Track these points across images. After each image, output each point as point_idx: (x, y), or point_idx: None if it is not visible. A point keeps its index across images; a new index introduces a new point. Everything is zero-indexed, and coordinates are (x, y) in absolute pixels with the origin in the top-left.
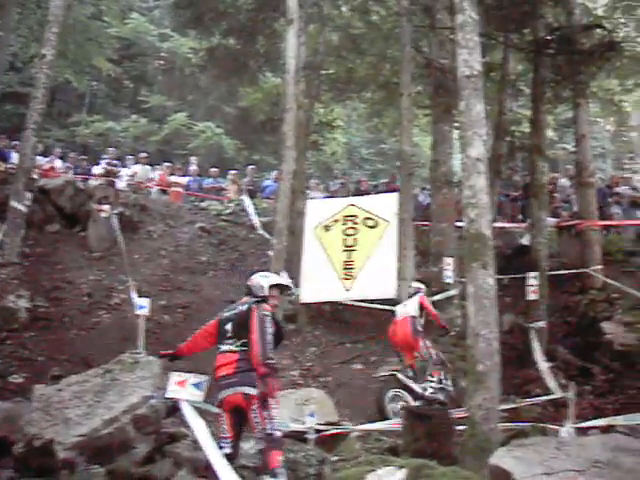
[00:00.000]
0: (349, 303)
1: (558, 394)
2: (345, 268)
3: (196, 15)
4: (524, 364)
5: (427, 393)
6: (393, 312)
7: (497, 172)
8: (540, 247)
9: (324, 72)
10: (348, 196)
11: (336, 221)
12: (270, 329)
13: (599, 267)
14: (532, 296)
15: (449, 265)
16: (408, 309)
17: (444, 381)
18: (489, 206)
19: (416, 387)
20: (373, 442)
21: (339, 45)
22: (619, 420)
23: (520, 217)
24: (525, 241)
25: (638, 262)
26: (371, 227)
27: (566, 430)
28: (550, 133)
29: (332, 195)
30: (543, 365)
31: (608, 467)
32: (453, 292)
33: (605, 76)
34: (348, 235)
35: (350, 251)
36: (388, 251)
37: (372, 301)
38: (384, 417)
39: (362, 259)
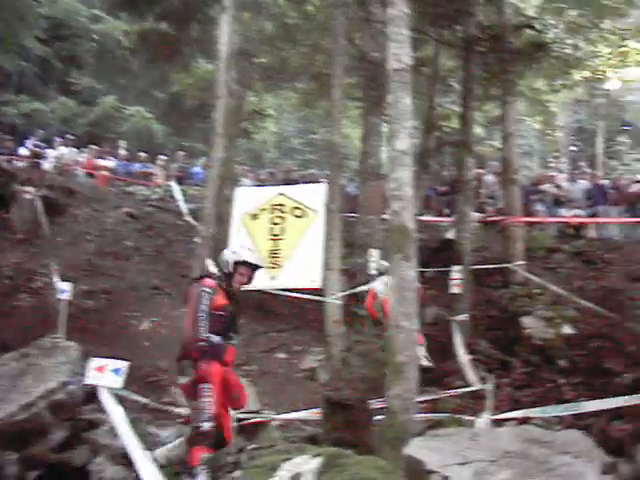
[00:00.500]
0: (274, 292)
1: (477, 386)
2: (271, 257)
3: None
4: (446, 356)
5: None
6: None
7: (425, 166)
8: (464, 241)
9: (257, 60)
10: (277, 185)
11: (264, 210)
12: (204, 306)
13: (521, 263)
14: (455, 290)
15: (374, 257)
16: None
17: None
18: (413, 199)
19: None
20: (293, 431)
21: (273, 34)
22: (534, 412)
23: (447, 211)
24: (450, 235)
25: (559, 259)
26: (299, 217)
27: (482, 421)
28: (478, 130)
29: (261, 184)
30: (464, 357)
31: (519, 458)
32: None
33: (533, 76)
34: (275, 224)
35: (277, 240)
36: (315, 241)
37: (297, 291)
38: None
39: (289, 248)
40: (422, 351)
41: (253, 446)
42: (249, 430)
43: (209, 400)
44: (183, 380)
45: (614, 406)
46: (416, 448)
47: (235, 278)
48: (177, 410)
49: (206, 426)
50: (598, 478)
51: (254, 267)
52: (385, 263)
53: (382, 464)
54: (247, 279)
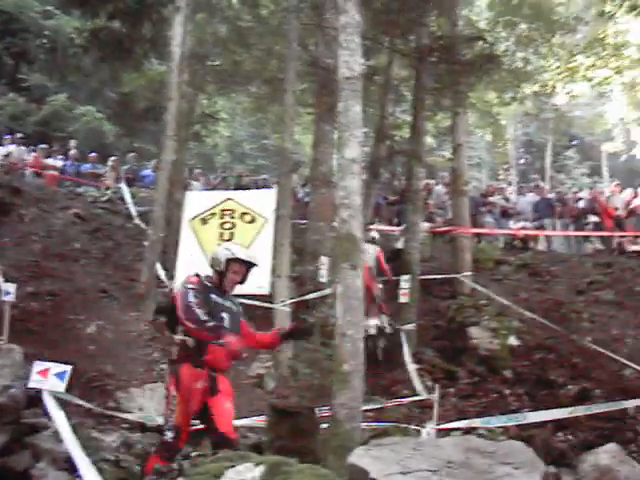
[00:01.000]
0: None
1: (424, 395)
2: None
3: None
4: (393, 365)
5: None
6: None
7: (375, 175)
8: (413, 251)
9: (210, 63)
10: (228, 190)
11: (213, 214)
12: (192, 300)
13: (469, 274)
14: (403, 299)
15: (324, 264)
16: (367, 259)
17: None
18: (361, 208)
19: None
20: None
21: (226, 37)
22: (478, 422)
23: (397, 221)
24: (400, 245)
25: (506, 270)
26: (248, 222)
27: (427, 431)
28: (429, 140)
29: (212, 188)
30: (411, 367)
31: (461, 467)
32: (327, 291)
33: (484, 88)
34: (225, 229)
35: None
36: (264, 247)
37: (246, 297)
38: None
39: None
40: (385, 320)
41: (196, 453)
42: (194, 436)
43: (175, 408)
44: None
45: (557, 417)
46: (360, 457)
47: (228, 277)
48: (122, 415)
49: (167, 436)
50: None
51: (248, 265)
52: (374, 233)
53: (325, 473)
54: (241, 277)
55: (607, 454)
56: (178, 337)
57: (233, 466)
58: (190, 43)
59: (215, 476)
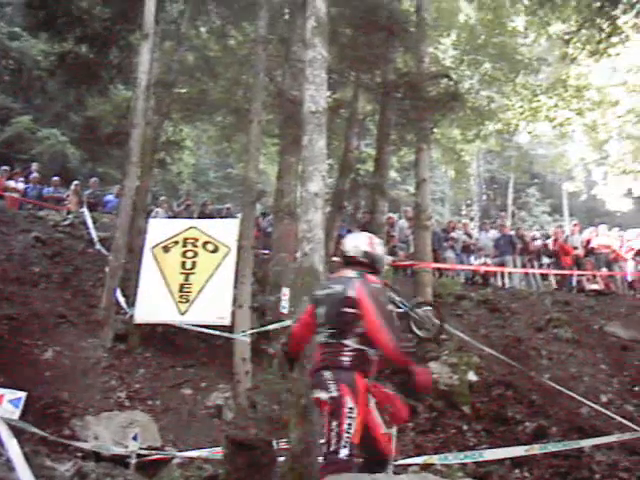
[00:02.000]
0: (183, 326)
1: (382, 430)
2: (182, 291)
3: (49, 17)
4: None
5: None
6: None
7: (339, 207)
8: None
9: (176, 91)
10: (192, 218)
11: (176, 243)
12: (388, 307)
13: (430, 308)
14: None
15: (286, 295)
16: None
17: None
18: (323, 241)
19: None
20: (194, 470)
21: (193, 65)
22: (435, 459)
23: None
24: None
25: (466, 306)
26: (211, 252)
27: None
28: (393, 174)
29: (176, 215)
30: (371, 400)
31: None
32: (288, 322)
33: (448, 125)
34: (187, 258)
35: (188, 274)
36: (226, 277)
37: (206, 326)
38: None
39: (199, 283)
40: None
41: None
42: (149, 467)
43: (352, 422)
44: (322, 395)
45: (514, 455)
46: None
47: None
48: (77, 444)
49: (342, 454)
50: None
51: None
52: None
53: None
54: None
55: None
56: (352, 344)
57: None
58: (157, 70)
59: None
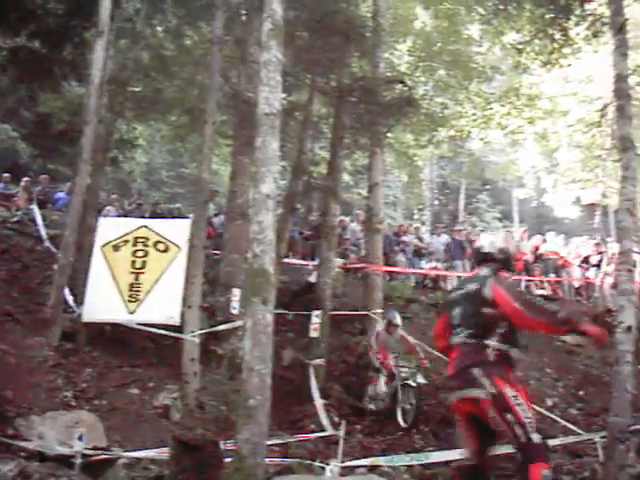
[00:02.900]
0: (132, 326)
1: (330, 431)
2: (131, 290)
3: (1, 12)
4: (301, 400)
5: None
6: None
7: (291, 209)
8: (325, 287)
9: (130, 89)
10: (143, 217)
11: (126, 242)
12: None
13: (380, 311)
14: (314, 334)
15: (236, 296)
16: None
17: None
18: (274, 243)
19: None
20: (140, 470)
21: (148, 64)
22: (382, 461)
23: (311, 256)
24: (313, 279)
25: (416, 309)
26: (162, 251)
27: (330, 468)
28: (346, 177)
29: (127, 214)
30: (318, 402)
31: None
32: (238, 323)
33: (402, 130)
34: (137, 257)
35: (138, 273)
36: (176, 277)
37: (155, 326)
38: None
39: (149, 283)
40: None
41: None
42: (94, 467)
43: (524, 407)
44: (478, 393)
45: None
46: None
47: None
48: (21, 444)
49: (535, 438)
50: None
51: None
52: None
53: None
54: None
55: None
56: (494, 344)
57: None
58: (111, 68)
59: None
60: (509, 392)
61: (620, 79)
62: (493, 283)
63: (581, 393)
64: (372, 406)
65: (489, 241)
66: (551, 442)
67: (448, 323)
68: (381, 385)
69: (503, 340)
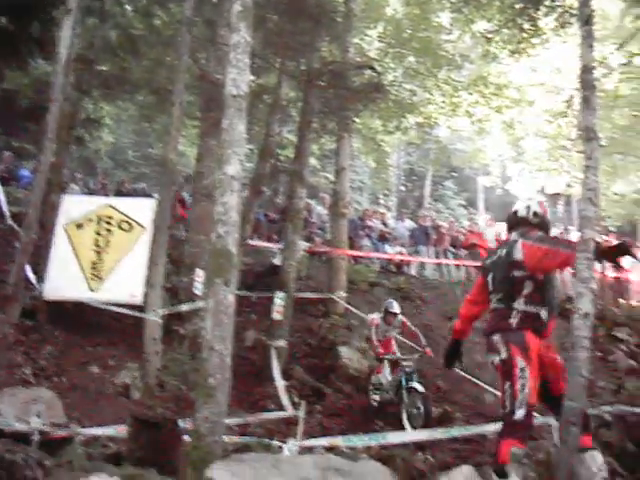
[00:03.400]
0: (93, 304)
1: (290, 412)
2: (94, 268)
3: None
4: (263, 380)
5: None
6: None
7: (257, 192)
8: (289, 269)
9: (97, 68)
10: (108, 196)
11: (90, 220)
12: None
13: (343, 294)
14: (277, 316)
15: (200, 277)
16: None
17: None
18: (239, 224)
19: None
20: (98, 448)
21: (116, 43)
22: (340, 441)
23: (276, 238)
24: (277, 261)
25: (380, 293)
26: (126, 230)
27: (289, 447)
28: (313, 161)
29: (92, 193)
30: (280, 383)
31: None
32: (201, 304)
33: (370, 115)
34: (101, 236)
35: (101, 252)
36: (139, 257)
37: (118, 305)
38: None
39: (112, 262)
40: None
41: (52, 462)
42: (52, 444)
43: (526, 382)
44: (494, 358)
45: (417, 439)
46: (217, 472)
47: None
48: None
49: (519, 414)
50: None
51: None
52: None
53: None
54: None
55: (460, 475)
56: (520, 306)
57: (86, 477)
58: (78, 46)
59: None
60: (519, 363)
61: (586, 70)
62: (521, 242)
63: None
64: (376, 397)
65: (524, 205)
66: None
67: (484, 289)
68: (386, 375)
69: (529, 301)
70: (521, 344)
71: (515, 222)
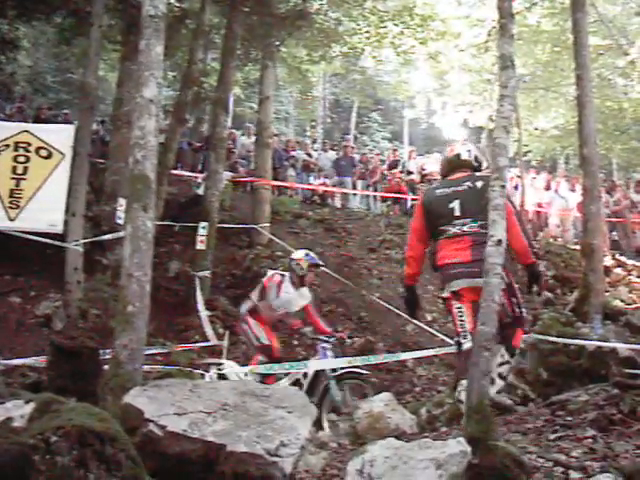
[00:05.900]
0: (12, 233)
1: (214, 342)
2: (12, 197)
3: None
4: (186, 311)
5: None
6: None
7: (180, 120)
8: (213, 199)
9: None
10: (25, 122)
11: (7, 146)
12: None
13: (267, 225)
14: (200, 246)
15: (122, 206)
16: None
17: None
18: (156, 149)
19: None
20: (18, 377)
21: None
22: (261, 369)
23: (200, 167)
24: (201, 191)
25: (303, 224)
26: (44, 157)
27: (210, 375)
28: (237, 90)
29: (7, 119)
30: (203, 313)
31: (235, 410)
32: (122, 233)
33: (295, 44)
34: (19, 163)
35: (19, 179)
36: (59, 185)
37: (37, 234)
38: None
39: (31, 189)
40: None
41: None
42: None
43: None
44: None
45: (338, 367)
46: (135, 397)
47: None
48: None
49: (524, 312)
50: (308, 430)
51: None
52: None
53: (98, 411)
54: None
55: (381, 402)
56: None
57: (2, 403)
58: None
59: None
60: (514, 281)
61: None
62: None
63: None
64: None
65: (466, 149)
66: (429, 353)
67: (427, 224)
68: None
69: None
70: (509, 268)
71: (457, 165)
